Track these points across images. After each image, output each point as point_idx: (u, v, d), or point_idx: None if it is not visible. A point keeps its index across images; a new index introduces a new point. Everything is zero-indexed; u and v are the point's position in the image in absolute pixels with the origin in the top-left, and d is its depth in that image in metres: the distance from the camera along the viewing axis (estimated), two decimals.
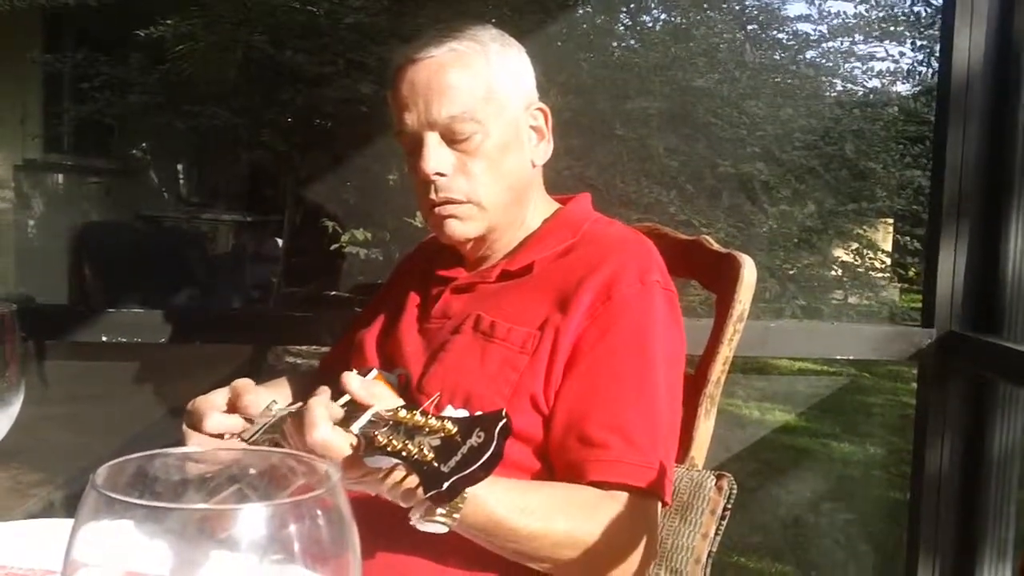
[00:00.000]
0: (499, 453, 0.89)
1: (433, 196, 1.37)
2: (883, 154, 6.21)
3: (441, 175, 1.36)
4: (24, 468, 4.16)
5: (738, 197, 5.68)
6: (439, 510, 0.95)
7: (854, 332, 2.26)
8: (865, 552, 4.04)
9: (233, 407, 1.25)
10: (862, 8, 6.35)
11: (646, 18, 6.53)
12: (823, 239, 6.13)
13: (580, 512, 1.20)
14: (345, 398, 1.09)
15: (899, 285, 6.88)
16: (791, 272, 5.80)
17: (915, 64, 6.74)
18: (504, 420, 0.90)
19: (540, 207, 1.49)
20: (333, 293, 6.54)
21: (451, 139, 1.36)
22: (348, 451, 1.02)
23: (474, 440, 0.89)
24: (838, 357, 2.30)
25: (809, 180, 5.92)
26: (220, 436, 1.25)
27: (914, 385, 2.19)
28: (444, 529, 0.98)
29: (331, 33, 5.99)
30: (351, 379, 1.08)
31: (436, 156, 1.36)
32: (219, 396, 1.28)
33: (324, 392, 1.11)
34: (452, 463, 0.88)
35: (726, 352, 1.47)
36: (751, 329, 1.58)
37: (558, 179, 1.60)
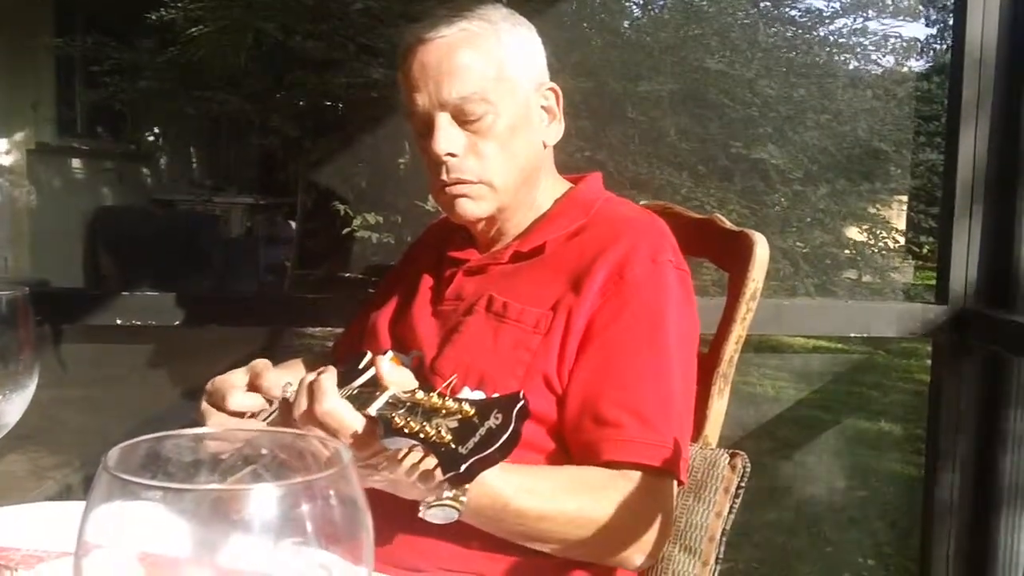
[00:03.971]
0: (517, 435, 0.89)
1: (444, 177, 1.37)
2: (897, 133, 6.16)
3: (452, 155, 1.36)
4: (41, 451, 4.18)
5: (751, 178, 5.65)
6: (446, 494, 0.95)
7: (868, 310, 2.25)
8: (880, 528, 4.04)
9: (252, 387, 1.26)
10: None
11: None
12: (836, 218, 6.09)
13: (590, 491, 1.20)
14: (360, 380, 1.09)
15: (913, 263, 6.84)
16: (804, 252, 5.77)
17: (929, 41, 6.68)
18: (522, 403, 0.91)
19: (551, 187, 1.48)
20: (346, 275, 6.55)
21: (462, 119, 1.36)
22: (355, 424, 1.02)
23: (492, 422, 0.89)
24: (852, 335, 2.29)
25: (822, 160, 5.88)
26: (242, 414, 1.25)
27: (928, 362, 2.18)
28: (453, 516, 0.98)
29: (341, 17, 5.98)
30: (382, 362, 1.08)
31: (447, 137, 1.35)
32: (239, 375, 1.28)
33: (331, 369, 1.11)
34: (470, 445, 0.88)
35: (739, 331, 1.47)
36: (764, 307, 1.58)
37: (569, 161, 1.59)
